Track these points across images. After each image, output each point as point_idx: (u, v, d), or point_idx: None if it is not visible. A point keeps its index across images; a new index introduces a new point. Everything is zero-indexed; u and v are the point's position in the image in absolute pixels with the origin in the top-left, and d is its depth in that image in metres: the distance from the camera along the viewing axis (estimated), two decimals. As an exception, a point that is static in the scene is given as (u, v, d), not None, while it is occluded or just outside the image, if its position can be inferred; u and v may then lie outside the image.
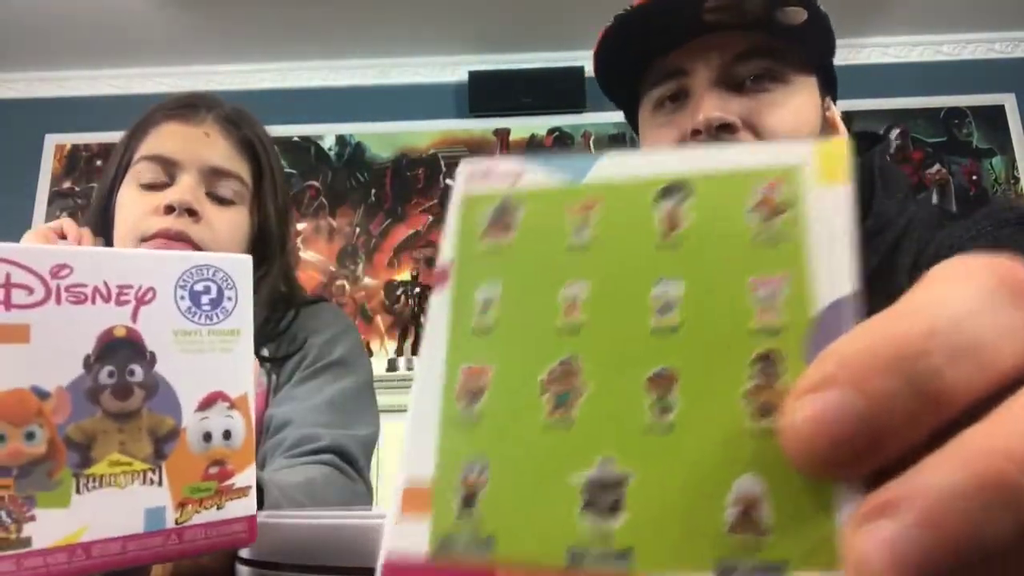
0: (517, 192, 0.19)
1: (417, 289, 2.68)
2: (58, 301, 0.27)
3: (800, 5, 0.63)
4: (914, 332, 0.13)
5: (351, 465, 0.71)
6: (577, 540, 0.15)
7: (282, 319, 0.81)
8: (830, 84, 0.72)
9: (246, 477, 0.29)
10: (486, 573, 0.15)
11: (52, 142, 2.83)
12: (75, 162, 2.81)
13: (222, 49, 2.76)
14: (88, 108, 2.81)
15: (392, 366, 2.48)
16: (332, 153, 2.81)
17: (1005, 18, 2.64)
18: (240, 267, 0.31)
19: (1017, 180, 2.63)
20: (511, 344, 0.18)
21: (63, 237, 0.78)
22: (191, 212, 0.77)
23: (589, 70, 3.08)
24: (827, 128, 0.71)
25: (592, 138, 2.77)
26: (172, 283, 0.29)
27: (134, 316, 0.28)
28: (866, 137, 0.76)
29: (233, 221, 0.81)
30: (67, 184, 2.79)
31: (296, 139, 2.80)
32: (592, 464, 0.16)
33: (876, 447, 0.13)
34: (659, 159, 0.18)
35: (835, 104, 0.73)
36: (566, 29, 2.69)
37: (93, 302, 0.27)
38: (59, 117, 2.84)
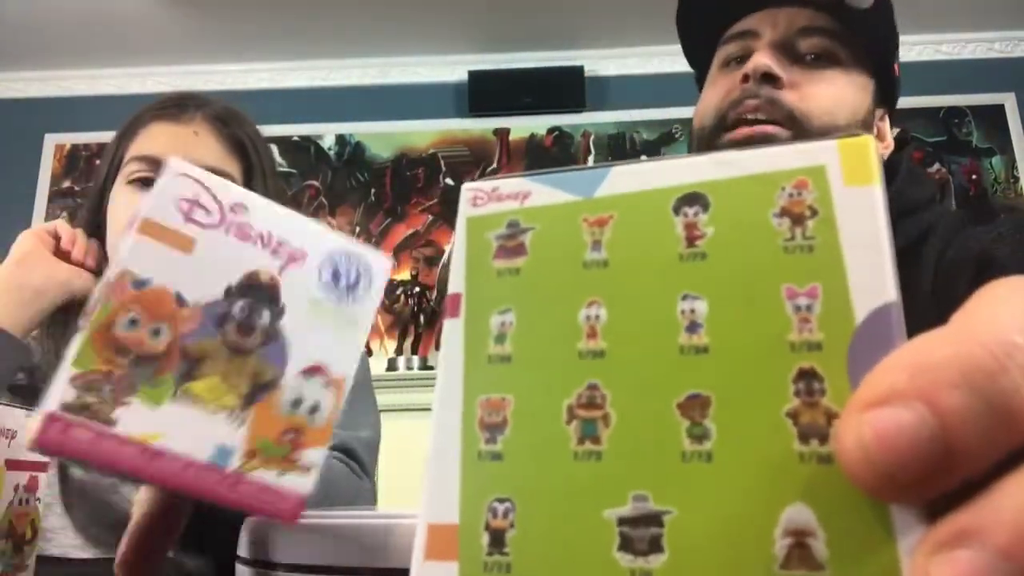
0: (525, 211, 0.18)
1: (417, 288, 2.68)
2: (227, 231, 0.29)
3: None
4: (989, 346, 0.12)
5: (360, 466, 0.71)
6: None
7: None
8: (888, 97, 0.74)
9: (314, 456, 0.30)
10: None
11: (52, 142, 2.83)
12: (75, 162, 2.81)
13: (222, 49, 2.76)
14: (88, 108, 2.81)
15: (392, 365, 2.48)
16: (332, 153, 2.81)
17: (1004, 17, 2.64)
18: (380, 265, 0.32)
19: (1017, 179, 2.63)
20: (530, 372, 0.17)
21: (57, 238, 0.79)
22: None
23: (589, 69, 3.06)
24: (870, 122, 0.73)
25: (592, 137, 2.77)
26: (322, 255, 0.31)
27: (282, 269, 0.30)
28: (898, 140, 0.78)
29: None
30: (67, 183, 2.79)
31: (296, 139, 2.80)
32: (625, 501, 0.15)
33: (948, 468, 0.12)
34: (673, 168, 0.17)
35: (889, 118, 0.75)
36: (566, 29, 2.69)
37: (254, 243, 0.30)
38: (59, 117, 2.84)
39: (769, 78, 0.65)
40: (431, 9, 2.58)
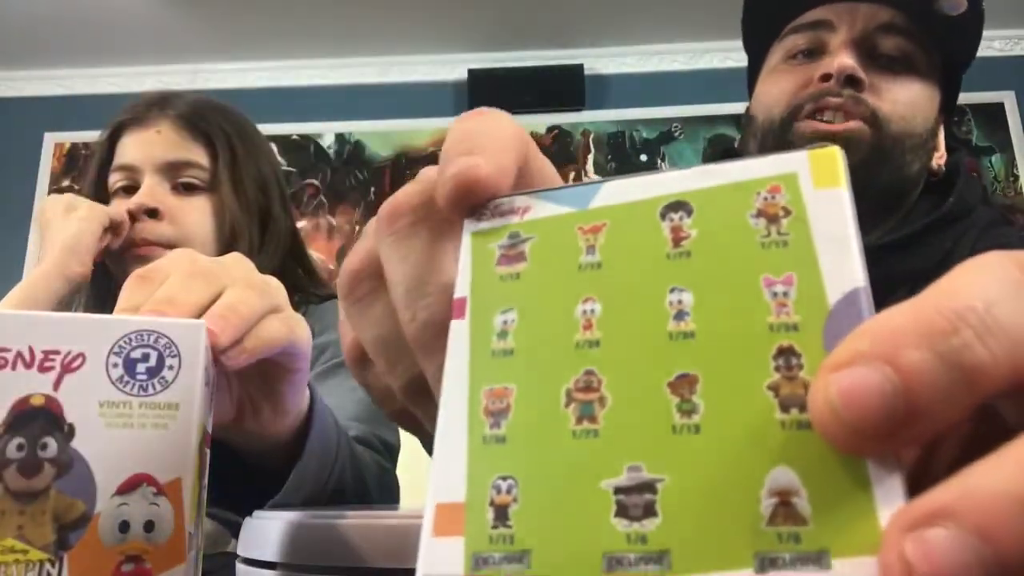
0: (525, 224, 0.20)
1: (417, 287, 2.68)
2: None
3: None
4: (944, 311, 0.13)
5: (384, 457, 0.71)
6: (612, 546, 0.15)
7: None
8: (951, 100, 0.73)
9: None
10: None
11: (51, 141, 2.83)
12: (74, 160, 2.81)
13: (221, 48, 2.76)
14: (87, 107, 2.80)
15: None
16: (331, 151, 2.81)
17: (1004, 16, 2.63)
18: (188, 333, 0.28)
19: (1016, 178, 2.63)
20: (531, 363, 0.18)
21: (109, 227, 0.80)
22: (152, 212, 0.80)
23: (589, 68, 3.05)
24: (936, 133, 0.71)
25: (592, 136, 2.77)
26: (105, 349, 0.27)
27: (57, 384, 0.26)
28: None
29: (200, 208, 0.83)
30: (66, 183, 2.78)
31: (295, 137, 2.80)
32: (620, 472, 0.16)
33: (910, 421, 0.13)
34: (659, 180, 0.19)
35: (944, 125, 0.74)
36: (566, 27, 2.69)
37: (13, 368, 0.26)
38: (58, 115, 2.83)
39: (852, 81, 0.63)
40: (431, 8, 2.57)
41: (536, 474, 0.16)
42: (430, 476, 0.17)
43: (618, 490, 0.15)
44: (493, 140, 0.22)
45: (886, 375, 0.13)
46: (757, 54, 0.76)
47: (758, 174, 0.18)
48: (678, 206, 0.18)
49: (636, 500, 0.15)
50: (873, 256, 0.67)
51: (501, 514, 0.16)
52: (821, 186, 0.17)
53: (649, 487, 0.15)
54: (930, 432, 0.13)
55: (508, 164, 0.21)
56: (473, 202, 0.21)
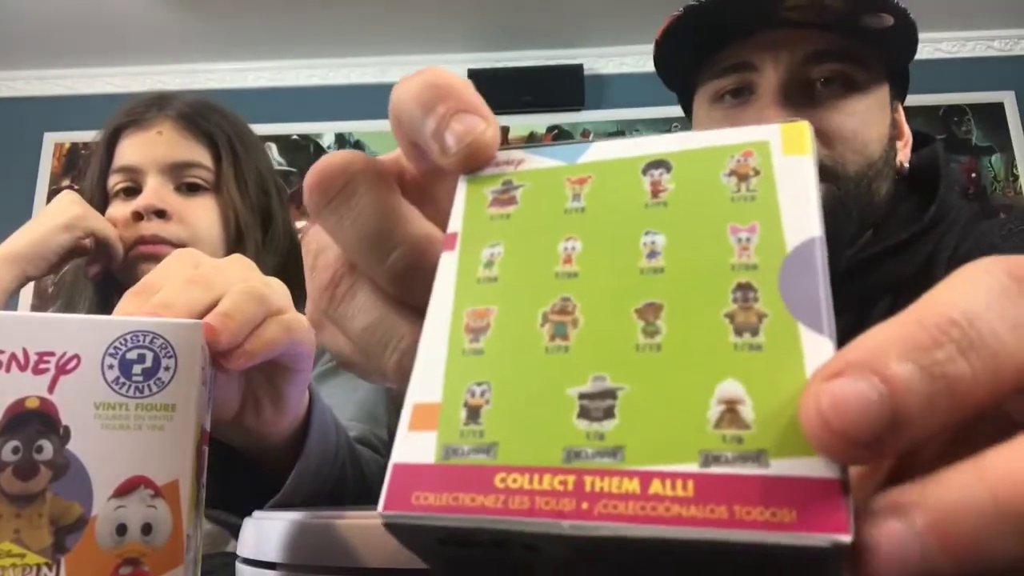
0: (518, 173, 0.22)
1: (416, 287, 2.68)
2: None
3: (888, 11, 0.60)
4: (926, 325, 0.14)
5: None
6: (572, 441, 0.17)
7: None
8: (902, 87, 0.70)
9: None
10: (488, 473, 0.17)
11: (51, 140, 2.83)
12: (74, 160, 2.81)
13: (221, 47, 2.76)
14: (87, 106, 2.80)
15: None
16: (331, 151, 2.81)
17: (1004, 16, 2.63)
18: (185, 333, 0.28)
19: (1016, 178, 2.63)
20: (513, 289, 0.19)
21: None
22: (160, 213, 0.80)
23: (588, 68, 3.04)
24: (894, 131, 0.69)
25: (591, 136, 2.77)
26: (101, 350, 0.27)
27: (52, 386, 0.26)
28: (919, 135, 0.74)
29: (206, 207, 0.83)
30: (66, 182, 2.78)
31: (295, 137, 2.80)
32: (586, 381, 0.17)
33: (896, 429, 0.13)
34: (643, 142, 0.21)
35: (902, 105, 0.71)
36: (566, 27, 2.69)
37: (7, 370, 0.26)
38: (58, 115, 2.83)
39: None
40: (431, 8, 2.57)
41: (508, 381, 0.18)
42: (409, 382, 0.19)
43: (582, 396, 0.17)
44: (474, 95, 0.23)
45: (874, 385, 0.13)
46: (683, 94, 0.73)
47: (734, 140, 0.20)
48: (659, 164, 0.20)
49: (598, 404, 0.17)
50: (856, 267, 0.65)
51: (473, 414, 0.18)
52: (789, 153, 0.19)
53: (611, 394, 0.17)
54: (915, 440, 0.14)
55: (495, 121, 0.22)
56: (481, 165, 0.22)
